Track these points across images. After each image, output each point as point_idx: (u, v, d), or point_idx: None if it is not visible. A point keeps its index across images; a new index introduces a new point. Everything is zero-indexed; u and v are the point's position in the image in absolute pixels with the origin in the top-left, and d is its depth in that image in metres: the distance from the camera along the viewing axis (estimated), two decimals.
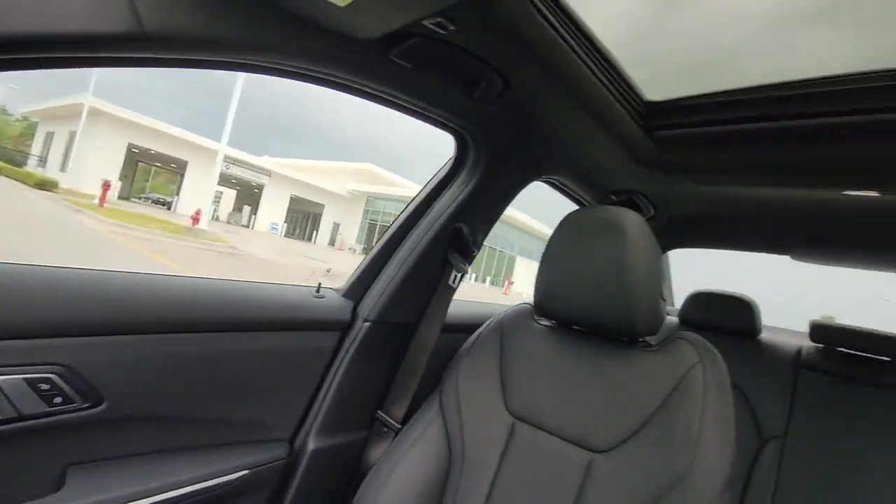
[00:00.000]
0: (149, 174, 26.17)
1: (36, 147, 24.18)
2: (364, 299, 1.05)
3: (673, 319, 1.71)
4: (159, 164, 23.30)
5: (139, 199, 22.43)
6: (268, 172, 23.25)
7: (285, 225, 26.17)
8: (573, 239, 0.88)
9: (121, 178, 19.78)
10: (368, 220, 26.45)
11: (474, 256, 1.12)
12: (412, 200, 1.09)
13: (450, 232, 1.06)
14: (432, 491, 0.87)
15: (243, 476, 0.84)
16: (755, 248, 1.69)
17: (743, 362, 1.44)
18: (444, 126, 1.00)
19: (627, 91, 0.94)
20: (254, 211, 25.87)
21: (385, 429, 1.04)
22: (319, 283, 1.01)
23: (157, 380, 0.75)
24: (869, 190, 1.06)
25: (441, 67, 0.80)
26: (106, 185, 12.71)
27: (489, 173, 1.05)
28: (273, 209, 25.04)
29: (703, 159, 1.07)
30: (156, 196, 23.64)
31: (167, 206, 21.30)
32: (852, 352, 1.38)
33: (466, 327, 1.11)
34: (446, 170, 1.08)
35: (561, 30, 0.72)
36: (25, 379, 0.62)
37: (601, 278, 0.81)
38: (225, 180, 22.89)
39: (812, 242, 1.47)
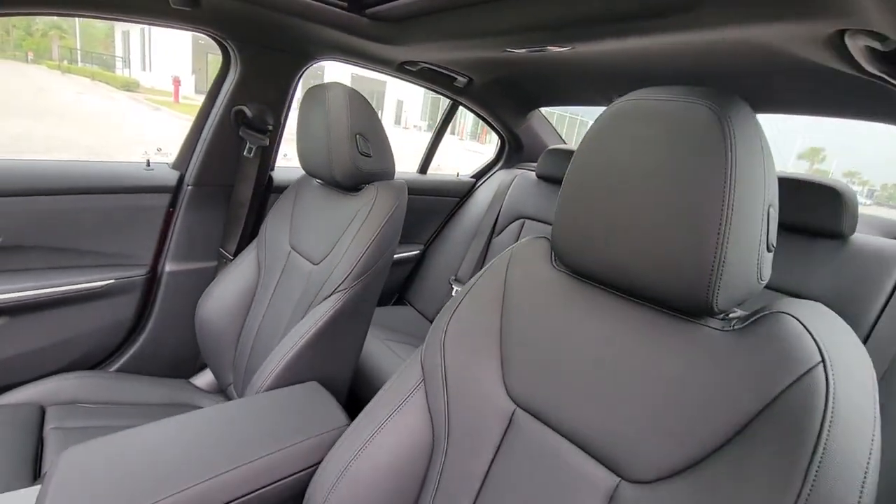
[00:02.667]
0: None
1: (118, 48, 25.92)
2: (188, 169, 1.43)
3: None
4: None
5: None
6: None
7: None
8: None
9: (194, 72, 20.98)
10: (431, 95, 25.77)
11: (272, 131, 1.43)
12: (211, 87, 1.40)
13: (234, 114, 1.36)
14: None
15: (112, 283, 1.35)
16: (588, 102, 1.75)
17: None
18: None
19: None
20: None
21: (224, 259, 1.50)
22: (148, 160, 1.40)
23: (40, 224, 1.22)
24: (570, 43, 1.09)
25: None
26: (176, 81, 13.78)
27: (250, 64, 1.32)
28: None
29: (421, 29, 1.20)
30: None
31: None
32: None
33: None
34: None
35: None
36: None
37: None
38: None
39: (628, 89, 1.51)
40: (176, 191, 1.42)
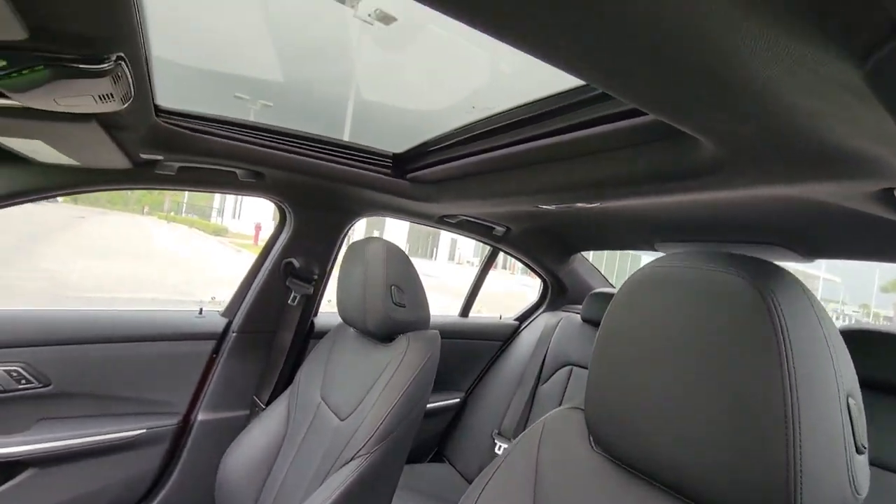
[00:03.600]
0: None
1: (217, 200, 30.58)
2: (236, 316, 1.49)
3: None
4: None
5: None
6: None
7: (408, 245, 28.48)
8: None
9: (273, 219, 23.87)
10: None
11: (318, 280, 1.50)
12: (267, 241, 1.52)
13: (283, 266, 1.46)
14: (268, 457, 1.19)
15: (142, 433, 1.34)
16: (631, 247, 1.73)
17: None
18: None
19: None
20: (380, 234, 28.78)
21: (256, 408, 1.46)
22: (200, 308, 1.49)
23: (87, 372, 1.28)
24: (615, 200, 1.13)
25: None
26: (257, 227, 15.69)
27: (303, 222, 1.44)
28: (397, 233, 27.58)
29: (454, 191, 1.29)
30: None
31: None
32: None
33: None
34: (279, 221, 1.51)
35: None
36: (4, 371, 1.19)
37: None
38: None
39: (672, 236, 1.49)
40: (221, 337, 1.47)
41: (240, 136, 1.13)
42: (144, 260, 10.59)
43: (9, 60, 0.50)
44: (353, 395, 1.12)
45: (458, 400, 2.04)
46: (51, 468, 1.22)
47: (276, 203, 1.47)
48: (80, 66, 0.52)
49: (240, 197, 24.79)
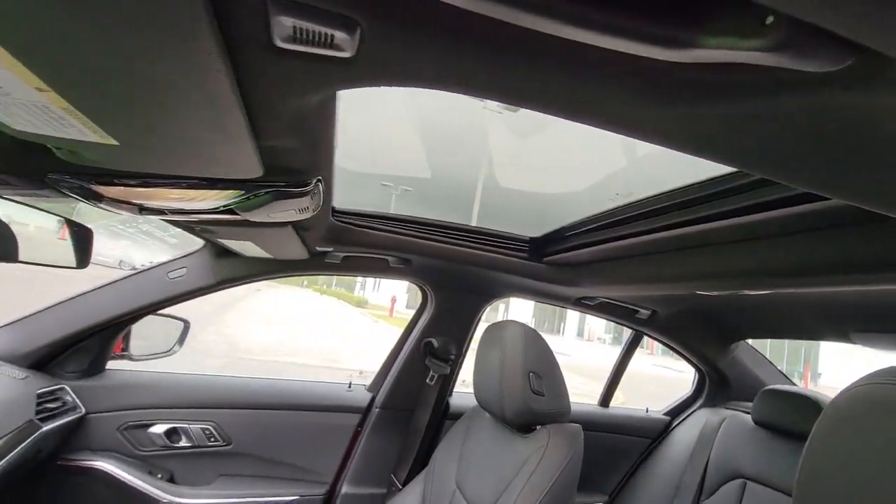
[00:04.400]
0: None
1: None
2: (379, 391, 1.58)
3: None
4: None
5: None
6: None
7: (534, 319, 27.80)
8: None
9: (408, 291, 25.74)
10: None
11: (454, 360, 1.54)
12: (409, 321, 1.63)
13: (423, 345, 1.53)
14: None
15: (295, 499, 1.44)
16: (816, 336, 1.42)
17: None
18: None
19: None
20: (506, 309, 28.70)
21: (393, 487, 1.49)
22: (350, 382, 1.61)
23: (257, 434, 1.46)
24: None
25: None
26: (393, 300, 16.96)
27: (442, 304, 1.51)
28: (522, 307, 27.26)
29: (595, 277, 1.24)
30: None
31: None
32: None
33: None
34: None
35: None
36: (200, 428, 1.42)
37: None
38: None
39: (867, 328, 1.21)
40: (366, 412, 1.56)
41: (391, 229, 1.27)
42: (300, 328, 12.06)
43: (246, 190, 0.65)
44: (491, 489, 1.07)
45: (601, 503, 1.81)
46: None
47: (419, 286, 1.58)
48: (292, 189, 0.66)
49: None
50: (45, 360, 1.25)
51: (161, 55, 0.32)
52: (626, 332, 1.93)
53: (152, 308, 1.31)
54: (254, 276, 1.35)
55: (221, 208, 0.72)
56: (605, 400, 1.95)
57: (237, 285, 1.34)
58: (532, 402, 1.09)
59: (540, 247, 1.35)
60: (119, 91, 0.37)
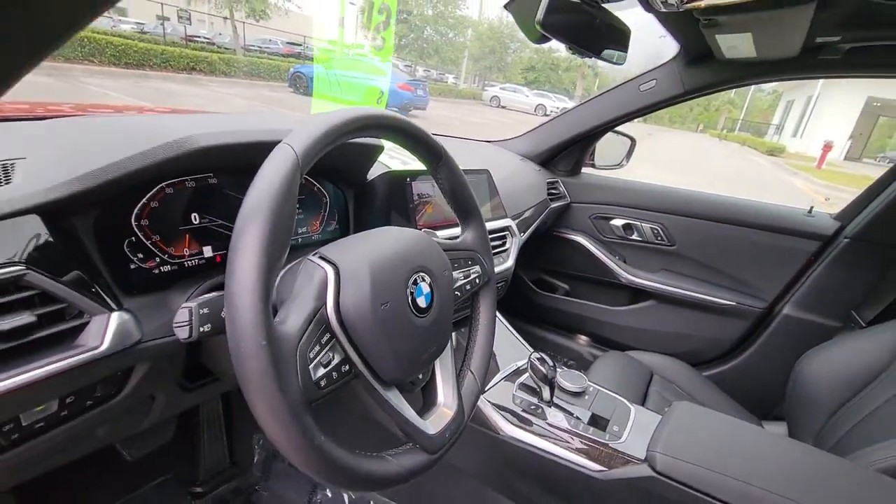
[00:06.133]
0: (894, 129, 22.81)
1: (777, 116, 27.10)
2: (852, 221, 1.37)
3: None
4: None
5: (875, 158, 20.19)
6: None
7: None
8: None
9: (851, 138, 18.68)
10: None
11: None
12: None
13: None
14: None
15: (731, 305, 1.55)
16: None
17: None
18: None
19: None
20: None
21: (852, 323, 1.36)
22: (811, 207, 1.45)
23: (702, 242, 1.59)
24: None
25: None
26: (826, 147, 12.77)
27: None
28: None
29: None
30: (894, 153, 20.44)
31: None
32: None
33: None
34: None
35: None
36: (650, 227, 1.67)
37: None
38: None
39: None
40: (827, 241, 1.41)
41: None
42: (690, 173, 11.21)
43: None
44: None
45: None
46: (665, 304, 1.66)
47: None
48: None
49: (809, 112, 20.86)
50: (547, 160, 1.74)
51: None
52: None
53: (622, 119, 1.54)
54: (724, 84, 1.32)
55: None
56: None
57: (708, 93, 1.36)
58: None
59: None
60: None
